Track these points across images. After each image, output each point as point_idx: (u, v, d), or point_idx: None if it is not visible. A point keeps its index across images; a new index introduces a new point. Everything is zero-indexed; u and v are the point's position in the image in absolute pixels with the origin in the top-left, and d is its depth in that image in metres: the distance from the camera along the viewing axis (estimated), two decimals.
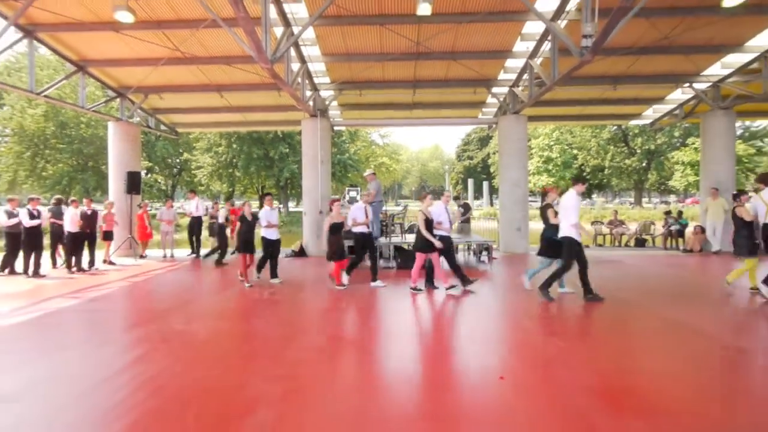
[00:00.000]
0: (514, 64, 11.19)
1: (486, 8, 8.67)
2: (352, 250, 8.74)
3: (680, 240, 13.51)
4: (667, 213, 14.66)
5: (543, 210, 7.27)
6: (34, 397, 3.53)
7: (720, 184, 12.13)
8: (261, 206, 12.49)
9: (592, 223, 17.85)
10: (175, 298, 7.37)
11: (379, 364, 4.30)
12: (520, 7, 8.21)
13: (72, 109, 12.94)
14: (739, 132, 36.25)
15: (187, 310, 6.44)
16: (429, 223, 7.17)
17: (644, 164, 42.16)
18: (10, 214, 9.54)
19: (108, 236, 11.30)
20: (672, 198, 45.66)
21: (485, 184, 50.65)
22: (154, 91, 12.57)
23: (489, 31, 9.64)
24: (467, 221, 12.06)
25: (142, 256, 12.24)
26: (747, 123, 36.70)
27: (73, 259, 9.96)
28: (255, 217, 8.42)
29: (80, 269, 9.95)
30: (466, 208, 12.43)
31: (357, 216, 7.93)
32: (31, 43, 9.60)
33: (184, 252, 13.16)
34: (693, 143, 37.33)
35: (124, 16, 8.20)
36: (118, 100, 12.78)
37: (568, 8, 8.30)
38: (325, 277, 8.43)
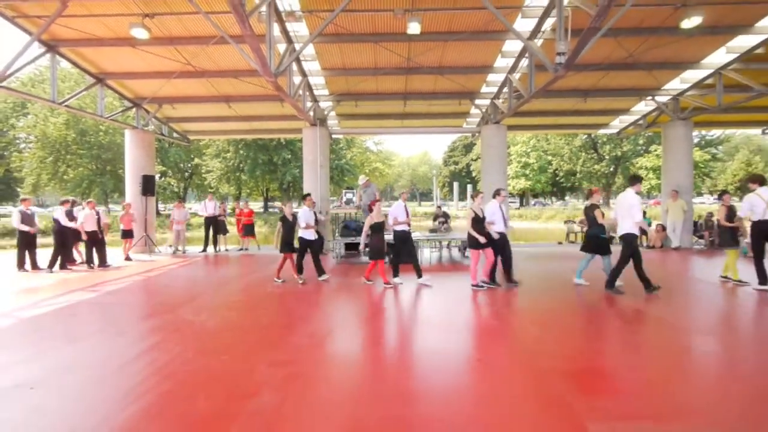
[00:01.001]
0: (495, 78, 11.22)
1: (470, 28, 8.69)
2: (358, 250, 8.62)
3: (644, 237, 13.63)
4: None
5: (589, 210, 7.05)
6: (55, 383, 3.49)
7: (679, 187, 12.26)
8: (265, 207, 12.37)
9: (565, 222, 17.93)
10: (187, 291, 7.31)
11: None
12: (501, 27, 8.23)
13: (91, 118, 12.77)
14: (696, 140, 36.64)
15: (202, 301, 6.40)
16: (478, 221, 6.78)
17: (612, 169, 42.44)
18: (71, 216, 9.61)
19: (127, 234, 11.21)
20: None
21: (469, 187, 50.78)
22: (168, 102, 12.47)
23: (472, 48, 9.66)
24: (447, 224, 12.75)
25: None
26: (703, 132, 37.10)
27: (92, 255, 9.86)
28: (295, 217, 7.73)
29: (91, 265, 9.79)
30: (446, 216, 13.12)
31: (398, 215, 7.34)
32: (54, 57, 9.47)
33: (196, 248, 13.09)
34: (655, 150, 37.67)
35: (140, 33, 8.14)
36: (134, 109, 12.65)
37: (543, 28, 8.34)
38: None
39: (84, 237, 9.73)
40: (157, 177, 20.82)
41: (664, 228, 12.57)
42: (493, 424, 2.76)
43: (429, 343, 4.49)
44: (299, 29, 8.73)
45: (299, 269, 7.74)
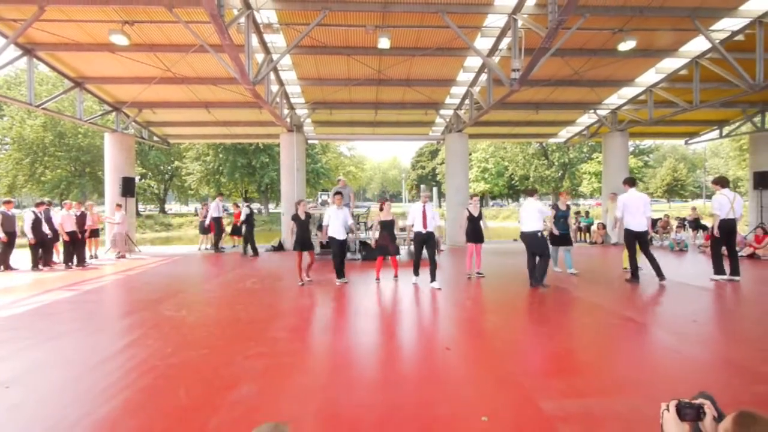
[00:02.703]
0: (458, 91, 11.41)
1: (435, 45, 8.80)
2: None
3: (587, 234, 14.24)
4: (577, 213, 15.38)
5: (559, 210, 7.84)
6: (32, 381, 3.27)
7: (617, 189, 12.81)
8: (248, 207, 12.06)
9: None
10: (170, 288, 7.03)
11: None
12: (462, 44, 8.38)
13: (70, 120, 12.02)
14: (631, 149, 38.58)
15: (211, 293, 6.16)
16: (472, 220, 7.29)
17: (560, 174, 44.01)
18: (47, 218, 9.14)
19: (93, 234, 10.58)
20: (581, 201, 48.05)
21: (435, 190, 51.39)
22: (148, 107, 11.93)
23: (437, 63, 9.78)
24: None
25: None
26: (637, 142, 39.13)
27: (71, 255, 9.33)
28: (308, 215, 7.23)
29: (69, 265, 9.28)
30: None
31: (413, 218, 6.85)
32: (31, 60, 8.86)
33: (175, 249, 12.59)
34: (597, 157, 39.30)
35: (119, 39, 7.77)
36: (114, 113, 12.03)
37: (500, 47, 8.55)
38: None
39: (65, 238, 9.20)
40: (137, 179, 19.91)
41: (604, 226, 13.16)
42: (455, 405, 2.81)
43: (402, 333, 4.52)
44: (277, 41, 8.58)
45: (339, 274, 7.04)
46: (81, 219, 9.69)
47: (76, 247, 9.43)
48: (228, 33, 5.68)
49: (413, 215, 6.86)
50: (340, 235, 7.01)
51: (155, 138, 14.40)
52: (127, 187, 11.76)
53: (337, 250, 6.98)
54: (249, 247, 11.11)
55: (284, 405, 2.83)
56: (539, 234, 6.61)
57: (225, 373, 3.36)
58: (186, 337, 4.32)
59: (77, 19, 7.75)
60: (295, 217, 7.06)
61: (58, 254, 9.91)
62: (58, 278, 7.99)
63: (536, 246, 6.62)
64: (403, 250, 10.28)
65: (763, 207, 12.56)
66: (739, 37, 8.36)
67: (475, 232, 7.38)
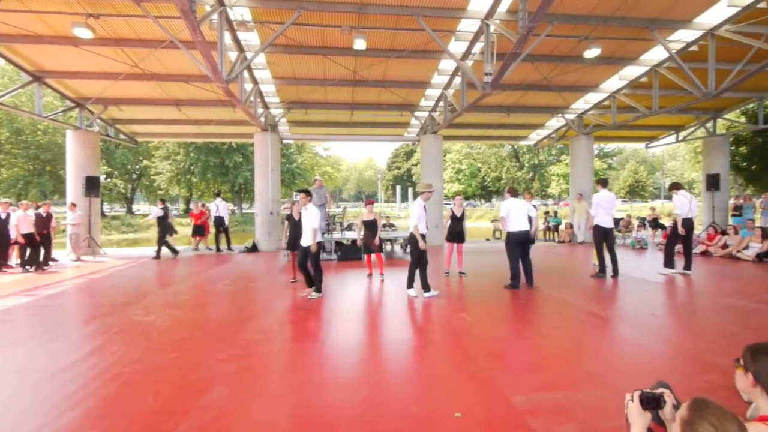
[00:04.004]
0: (433, 93, 11.52)
1: (410, 47, 8.85)
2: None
3: (556, 233, 14.70)
4: (546, 213, 15.86)
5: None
6: None
7: (583, 191, 13.32)
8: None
9: (492, 221, 18.82)
10: (137, 291, 6.74)
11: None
12: (437, 48, 8.47)
13: (28, 117, 11.32)
14: (596, 152, 40.17)
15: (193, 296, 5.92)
16: (455, 219, 7.25)
17: (530, 175, 45.27)
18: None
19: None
20: (550, 201, 49.58)
21: (410, 190, 51.77)
22: (114, 103, 11.39)
23: (412, 65, 9.84)
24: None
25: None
26: (602, 145, 40.78)
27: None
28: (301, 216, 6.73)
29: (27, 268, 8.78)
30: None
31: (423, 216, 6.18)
32: None
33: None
34: (564, 160, 40.70)
35: (84, 33, 7.38)
36: (77, 110, 11.41)
37: (473, 51, 8.71)
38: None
39: (20, 240, 8.66)
40: (102, 178, 19.00)
41: (571, 226, 13.62)
42: (429, 402, 2.83)
43: (376, 333, 4.51)
44: (251, 39, 8.39)
45: (311, 282, 6.18)
46: (46, 220, 9.15)
47: (34, 249, 8.89)
48: (200, 29, 5.50)
49: (420, 215, 6.01)
50: (304, 240, 5.98)
51: (122, 136, 13.79)
52: (91, 187, 11.16)
53: (302, 258, 6.04)
54: (163, 248, 10.64)
55: (257, 407, 2.77)
56: (529, 234, 6.67)
57: (196, 377, 3.25)
58: (155, 342, 4.15)
59: (36, 9, 7.31)
60: (290, 217, 7.06)
61: (16, 258, 9.33)
62: (14, 283, 7.51)
63: (527, 245, 6.66)
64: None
65: (714, 207, 13.36)
66: (694, 48, 8.85)
67: (456, 232, 7.45)
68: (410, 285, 6.13)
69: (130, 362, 3.57)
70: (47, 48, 8.60)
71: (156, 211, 10.87)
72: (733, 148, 17.70)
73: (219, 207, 12.02)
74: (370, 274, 7.53)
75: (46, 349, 4.00)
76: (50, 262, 9.57)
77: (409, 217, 6.42)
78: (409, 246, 6.33)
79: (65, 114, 11.40)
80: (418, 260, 6.00)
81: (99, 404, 2.83)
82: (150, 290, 6.79)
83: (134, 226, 30.02)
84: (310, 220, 5.85)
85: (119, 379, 3.22)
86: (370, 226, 7.35)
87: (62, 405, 2.82)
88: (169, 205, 12.87)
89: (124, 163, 34.76)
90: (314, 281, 6.07)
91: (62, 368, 3.45)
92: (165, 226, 10.75)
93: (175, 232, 12.42)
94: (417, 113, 12.75)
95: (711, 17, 8.07)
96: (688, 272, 7.23)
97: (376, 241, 7.28)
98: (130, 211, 38.79)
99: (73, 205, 10.70)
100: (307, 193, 6.08)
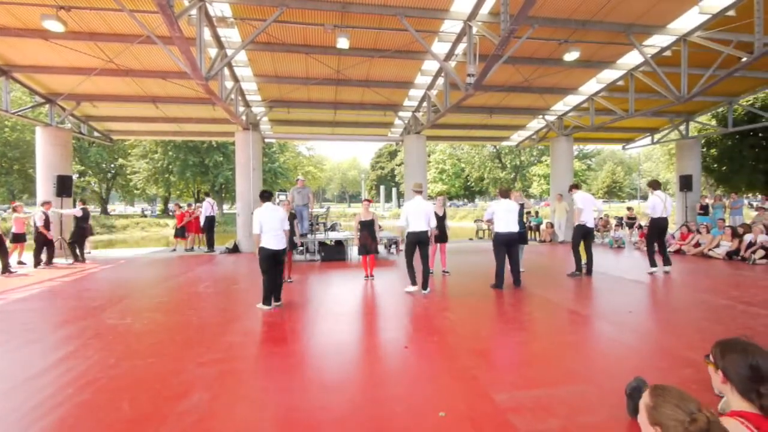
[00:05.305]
0: (416, 93, 11.56)
1: (394, 47, 8.87)
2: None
3: (537, 233, 14.98)
4: (528, 213, 16.11)
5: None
6: None
7: (563, 191, 13.59)
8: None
9: (475, 221, 19.05)
10: (113, 294, 6.53)
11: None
12: (420, 48, 8.52)
13: None
14: (575, 153, 41.16)
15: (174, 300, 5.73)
16: (439, 219, 7.16)
17: (513, 176, 46.02)
18: None
19: (19, 238, 9.59)
20: (532, 201, 50.59)
21: (394, 190, 51.96)
22: (87, 99, 11.01)
23: (396, 65, 9.87)
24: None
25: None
26: (581, 146, 41.80)
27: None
28: (293, 215, 6.96)
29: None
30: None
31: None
32: None
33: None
34: (545, 161, 41.52)
35: (54, 26, 7.12)
36: (47, 106, 10.98)
37: (456, 52, 8.79)
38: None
39: None
40: (74, 177, 18.33)
41: (552, 225, 13.91)
42: (414, 402, 2.84)
43: (360, 333, 4.50)
44: (231, 35, 8.25)
45: (270, 297, 5.44)
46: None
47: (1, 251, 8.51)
48: (178, 24, 5.38)
49: (431, 216, 6.32)
50: (276, 244, 5.21)
51: (96, 134, 13.35)
52: (63, 186, 10.74)
53: (270, 265, 5.24)
54: (75, 251, 9.98)
55: (240, 410, 2.72)
56: (515, 235, 6.68)
57: (175, 381, 3.17)
58: (131, 347, 4.03)
59: (3, 0, 7.00)
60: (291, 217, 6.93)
61: None
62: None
63: (515, 246, 6.68)
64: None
65: (687, 207, 13.88)
66: (667, 53, 9.17)
67: (439, 232, 7.44)
68: (415, 282, 6.35)
69: (106, 368, 3.46)
70: (15, 41, 8.24)
71: (75, 210, 10.15)
72: (704, 150, 18.41)
73: (213, 206, 12.05)
74: (367, 276, 7.34)
75: (17, 355, 3.83)
76: (18, 265, 9.18)
77: (418, 217, 6.23)
78: (407, 246, 6.41)
79: (34, 110, 10.98)
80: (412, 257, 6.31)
81: (72, 411, 2.73)
82: (127, 293, 6.58)
83: (110, 227, 29.09)
84: (279, 222, 5.34)
85: (93, 386, 3.11)
86: (368, 227, 7.23)
87: (33, 413, 2.70)
88: (89, 207, 11.97)
89: (98, 162, 33.67)
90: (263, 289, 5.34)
91: (33, 375, 3.32)
92: (82, 228, 10.11)
93: (92, 234, 11.81)
94: (400, 113, 12.79)
95: (684, 23, 8.38)
96: (668, 268, 7.48)
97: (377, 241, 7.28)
98: (105, 211, 37.56)
99: (47, 203, 10.23)
100: (264, 195, 5.54)
